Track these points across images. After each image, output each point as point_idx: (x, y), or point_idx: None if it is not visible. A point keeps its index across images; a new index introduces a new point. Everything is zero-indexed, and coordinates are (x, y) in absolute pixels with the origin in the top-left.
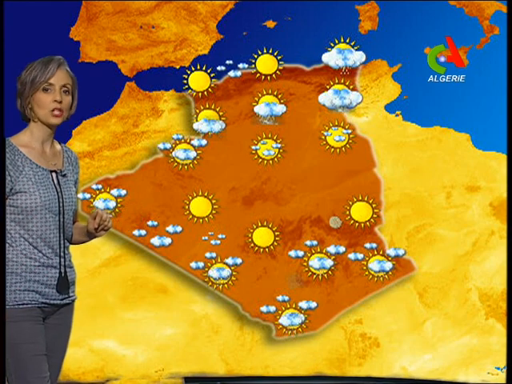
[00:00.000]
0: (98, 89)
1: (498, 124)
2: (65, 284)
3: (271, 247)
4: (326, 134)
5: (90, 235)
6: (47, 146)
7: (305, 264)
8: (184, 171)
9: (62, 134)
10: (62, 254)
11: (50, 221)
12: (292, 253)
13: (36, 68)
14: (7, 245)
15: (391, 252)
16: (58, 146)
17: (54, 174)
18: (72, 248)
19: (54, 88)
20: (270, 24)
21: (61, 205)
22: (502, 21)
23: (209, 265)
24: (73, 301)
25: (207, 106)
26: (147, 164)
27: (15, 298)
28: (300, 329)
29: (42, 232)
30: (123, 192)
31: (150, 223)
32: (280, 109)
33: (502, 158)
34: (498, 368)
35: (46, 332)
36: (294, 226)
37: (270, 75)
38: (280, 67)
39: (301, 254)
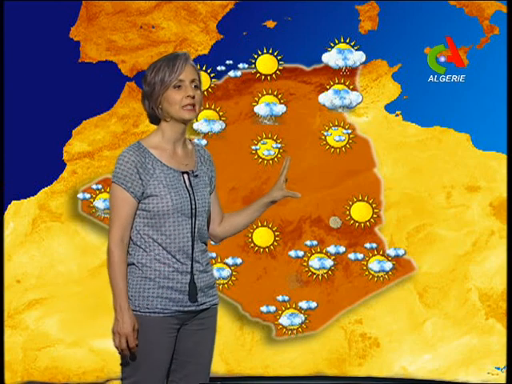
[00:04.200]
0: (98, 89)
1: (498, 124)
2: (193, 292)
3: (271, 247)
4: (326, 133)
5: (265, 207)
6: (179, 146)
7: (305, 264)
8: None
9: (62, 133)
10: (195, 258)
11: (182, 224)
12: (292, 253)
13: (162, 67)
14: (141, 250)
15: (391, 252)
16: (189, 146)
17: (185, 176)
18: (72, 247)
19: (185, 84)
20: (270, 24)
21: (193, 207)
22: (502, 21)
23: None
24: (213, 305)
25: (207, 105)
26: None
27: (147, 305)
28: (300, 329)
29: (175, 236)
30: None
31: None
32: (280, 109)
33: (502, 158)
34: (498, 368)
35: (186, 338)
36: (294, 225)
37: (270, 75)
38: (280, 67)
39: (301, 253)
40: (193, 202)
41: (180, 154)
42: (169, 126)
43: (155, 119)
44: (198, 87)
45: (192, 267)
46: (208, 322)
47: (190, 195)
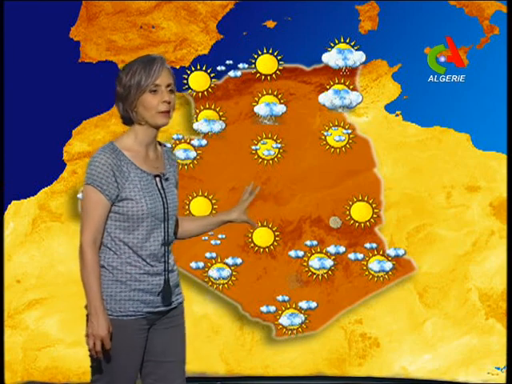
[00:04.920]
0: (98, 89)
1: (498, 124)
2: (168, 292)
3: (271, 247)
4: (326, 133)
5: (218, 225)
6: (151, 149)
7: (305, 264)
8: (184, 171)
9: (62, 133)
10: (165, 259)
11: (155, 228)
12: (292, 253)
13: (139, 70)
14: (112, 252)
15: (391, 252)
16: (159, 148)
17: (157, 179)
18: (72, 247)
19: (161, 89)
20: (270, 24)
21: (165, 211)
22: (502, 21)
23: (209, 265)
24: (180, 303)
25: (207, 105)
26: None
27: (120, 308)
28: (300, 329)
29: (146, 240)
30: None
31: None
32: (280, 109)
33: (502, 158)
34: (498, 368)
35: (157, 338)
36: (294, 225)
37: (270, 75)
38: (280, 67)
39: (301, 253)
40: (165, 206)
41: (152, 156)
42: (142, 129)
43: (128, 120)
44: (173, 91)
45: (164, 269)
46: (176, 319)
47: (162, 199)
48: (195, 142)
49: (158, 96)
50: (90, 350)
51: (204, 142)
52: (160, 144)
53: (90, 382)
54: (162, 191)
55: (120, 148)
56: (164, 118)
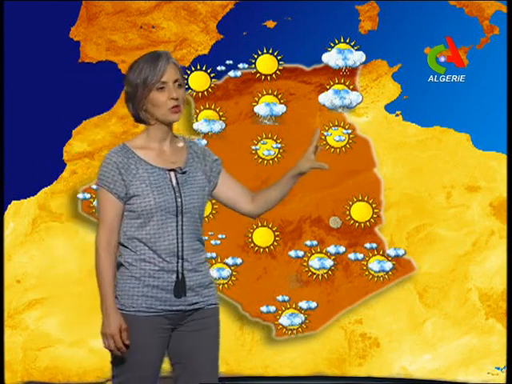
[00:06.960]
0: (98, 89)
1: (498, 124)
2: (181, 288)
3: (271, 247)
4: (326, 133)
5: (295, 179)
6: (166, 144)
7: (305, 264)
8: None
9: (62, 133)
10: (182, 256)
11: (167, 222)
12: (292, 253)
13: (145, 67)
14: (128, 250)
15: (391, 252)
16: (180, 143)
17: (172, 173)
18: (72, 247)
19: (168, 85)
20: (270, 24)
21: (179, 205)
22: (502, 21)
23: (209, 265)
24: (209, 305)
25: (207, 105)
26: None
27: (132, 304)
28: (300, 329)
29: (159, 235)
30: None
31: None
32: (280, 109)
33: (502, 158)
34: (498, 368)
35: (182, 340)
36: (294, 225)
37: (270, 75)
38: (280, 67)
39: (301, 253)
40: (178, 200)
41: (168, 152)
42: (153, 127)
43: (139, 119)
44: (181, 86)
45: (178, 265)
46: (205, 322)
47: (175, 193)
48: None
49: (166, 93)
50: (106, 349)
51: (204, 141)
52: (184, 139)
53: (112, 377)
54: (175, 186)
55: (131, 147)
56: (174, 114)
